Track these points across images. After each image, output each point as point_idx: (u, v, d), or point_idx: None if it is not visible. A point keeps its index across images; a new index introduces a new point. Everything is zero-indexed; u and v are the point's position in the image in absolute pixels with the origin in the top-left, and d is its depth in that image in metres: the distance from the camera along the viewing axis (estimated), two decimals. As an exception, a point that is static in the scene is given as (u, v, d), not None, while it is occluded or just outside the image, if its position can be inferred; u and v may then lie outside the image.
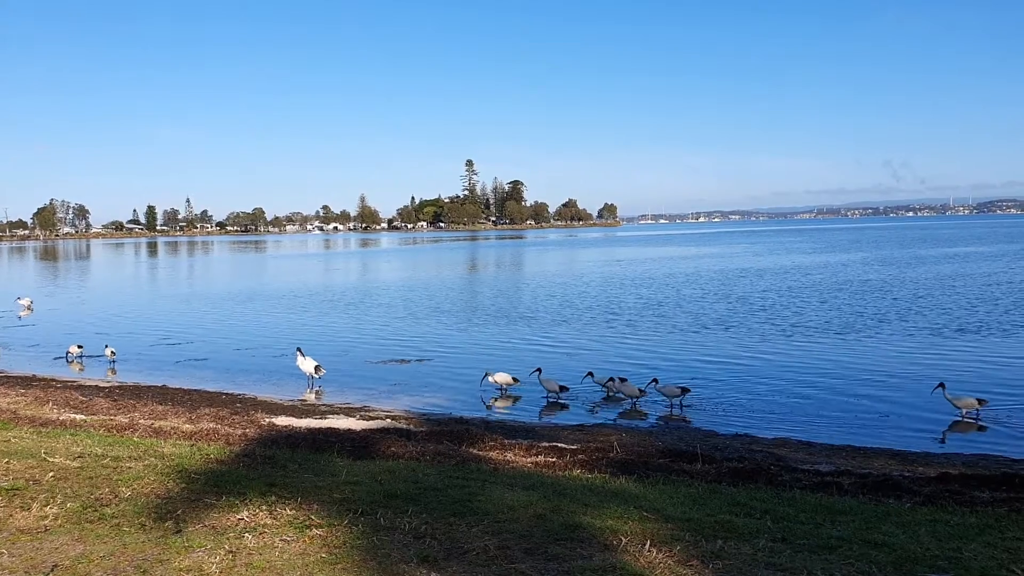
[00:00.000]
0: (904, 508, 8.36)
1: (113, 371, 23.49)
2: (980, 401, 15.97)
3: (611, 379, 18.57)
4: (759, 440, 14.46)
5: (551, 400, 18.59)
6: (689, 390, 17.65)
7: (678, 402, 17.55)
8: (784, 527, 6.73)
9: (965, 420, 15.80)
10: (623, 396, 18.24)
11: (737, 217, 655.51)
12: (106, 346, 24.93)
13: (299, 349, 21.17)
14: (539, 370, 19.06)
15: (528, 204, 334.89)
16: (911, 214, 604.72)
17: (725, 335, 27.24)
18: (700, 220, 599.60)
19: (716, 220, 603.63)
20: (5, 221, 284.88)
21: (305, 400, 19.01)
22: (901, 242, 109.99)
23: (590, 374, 19.23)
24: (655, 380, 18.06)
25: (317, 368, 20.51)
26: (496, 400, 18.89)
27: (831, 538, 6.39)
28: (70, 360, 25.02)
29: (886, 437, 14.94)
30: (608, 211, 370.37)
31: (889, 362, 21.78)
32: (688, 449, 12.98)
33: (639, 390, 17.92)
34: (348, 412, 17.12)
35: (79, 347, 25.47)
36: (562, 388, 18.67)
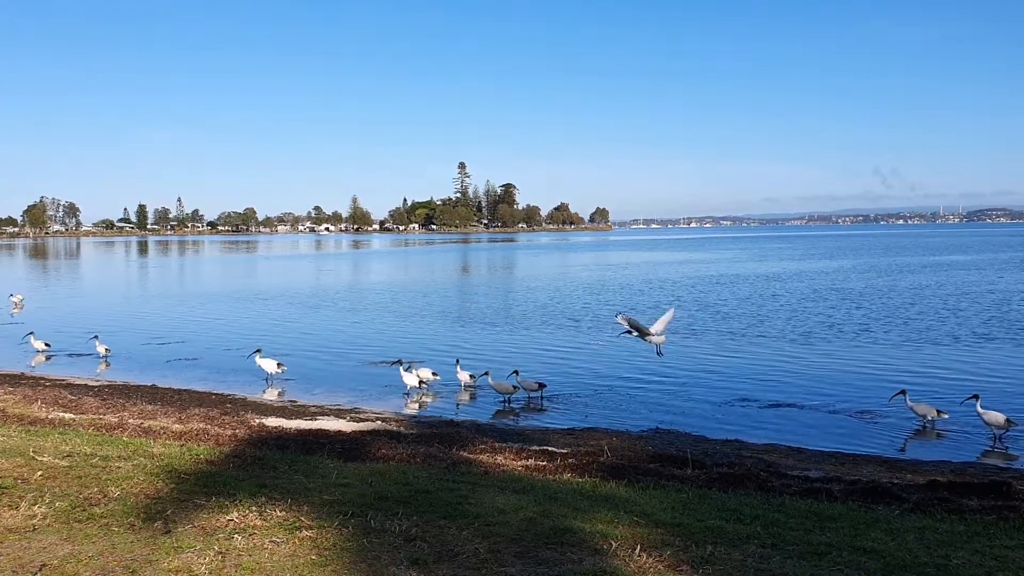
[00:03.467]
0: (893, 515, 8.39)
1: (107, 364, 23.74)
2: (939, 412, 15.93)
3: (486, 373, 19.12)
4: (749, 446, 14.48)
5: (412, 395, 19.30)
6: (545, 385, 18.74)
7: (537, 396, 18.57)
8: (774, 533, 6.75)
9: (926, 427, 16.01)
10: (498, 392, 18.75)
11: (728, 223, 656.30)
12: (98, 344, 25.02)
13: (258, 350, 21.47)
14: (399, 361, 19.87)
15: (520, 207, 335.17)
16: (901, 222, 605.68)
17: (713, 340, 27.29)
18: (692, 225, 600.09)
19: (708, 226, 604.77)
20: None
21: (299, 401, 18.94)
22: (889, 250, 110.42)
23: (457, 362, 20.12)
24: (516, 372, 18.74)
25: (279, 365, 20.91)
26: (415, 396, 19.45)
27: (820, 544, 6.42)
28: (37, 352, 25.47)
29: (875, 444, 15.02)
30: (600, 215, 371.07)
31: (877, 369, 21.86)
32: (678, 454, 12.99)
33: (512, 387, 18.48)
34: (338, 413, 17.09)
35: (46, 344, 25.82)
36: (422, 382, 19.35)
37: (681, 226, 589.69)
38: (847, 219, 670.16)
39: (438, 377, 19.98)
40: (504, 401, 18.53)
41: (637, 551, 5.88)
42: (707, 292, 46.21)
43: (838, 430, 15.91)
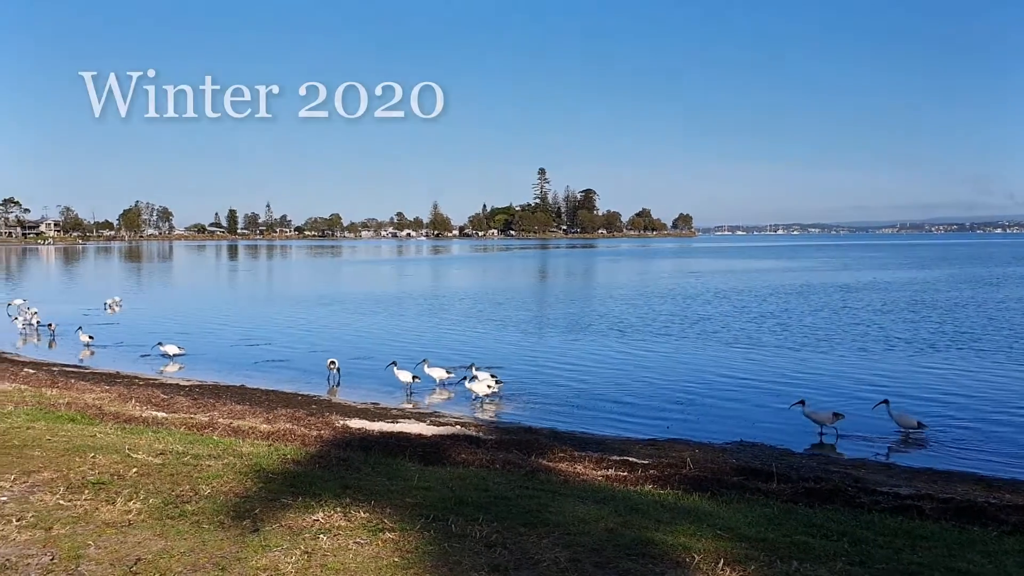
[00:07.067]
0: (990, 537, 8.05)
1: (179, 367, 24.63)
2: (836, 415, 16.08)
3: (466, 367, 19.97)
4: (836, 460, 14.12)
5: (407, 393, 20.25)
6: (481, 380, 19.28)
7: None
8: (862, 550, 6.55)
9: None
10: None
11: (817, 230, 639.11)
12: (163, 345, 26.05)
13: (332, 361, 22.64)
14: (395, 363, 20.78)
15: (600, 213, 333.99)
16: (999, 231, 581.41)
17: (803, 352, 26.72)
18: (779, 232, 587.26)
19: (795, 233, 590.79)
20: (92, 222, 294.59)
21: (380, 403, 19.22)
22: (983, 260, 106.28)
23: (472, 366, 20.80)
24: (425, 360, 20.83)
25: (332, 363, 22.20)
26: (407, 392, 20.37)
27: (911, 564, 6.21)
28: (85, 346, 28.03)
29: (970, 461, 14.43)
30: (683, 221, 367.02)
31: (974, 384, 21.06)
32: (763, 467, 12.73)
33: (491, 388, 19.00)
34: (419, 417, 17.30)
35: (90, 337, 28.36)
36: (415, 378, 20.37)
37: (767, 233, 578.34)
38: (940, 227, 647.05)
39: (452, 375, 20.99)
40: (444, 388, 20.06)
41: (720, 565, 5.78)
42: (797, 302, 45.25)
43: (931, 446, 15.38)
